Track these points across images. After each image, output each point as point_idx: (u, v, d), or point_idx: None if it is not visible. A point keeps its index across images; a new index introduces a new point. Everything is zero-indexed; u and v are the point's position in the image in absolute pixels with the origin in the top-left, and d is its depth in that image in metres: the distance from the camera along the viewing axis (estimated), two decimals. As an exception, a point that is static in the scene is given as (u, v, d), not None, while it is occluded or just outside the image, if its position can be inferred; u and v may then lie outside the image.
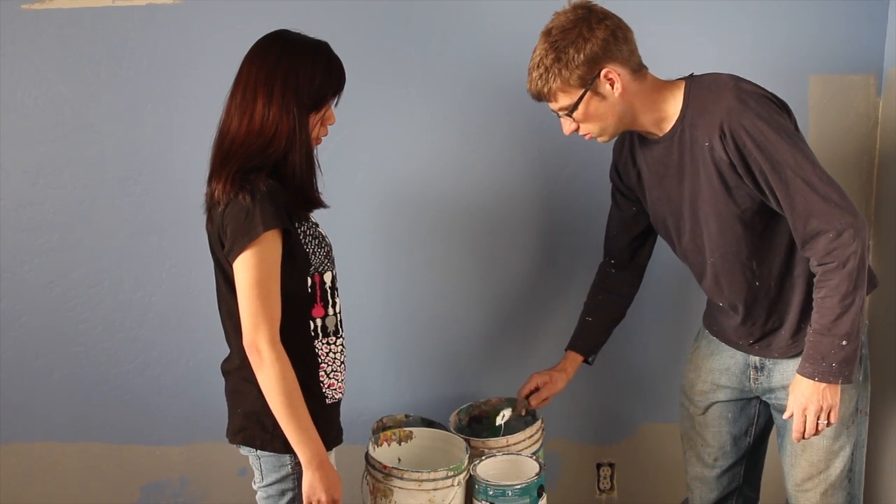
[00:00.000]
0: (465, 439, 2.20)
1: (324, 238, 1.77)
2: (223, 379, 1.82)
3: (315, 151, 1.73)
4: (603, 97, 1.72)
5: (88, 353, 2.54)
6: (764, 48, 2.26)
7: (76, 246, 2.47)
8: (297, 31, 1.69)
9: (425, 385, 2.56)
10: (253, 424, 1.69)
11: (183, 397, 2.57)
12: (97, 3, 2.31)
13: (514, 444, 2.19)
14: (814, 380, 1.70)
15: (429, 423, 2.34)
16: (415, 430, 2.29)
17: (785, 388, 1.87)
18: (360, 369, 2.51)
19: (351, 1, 2.30)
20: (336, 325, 1.76)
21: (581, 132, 1.80)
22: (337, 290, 1.78)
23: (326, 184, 2.36)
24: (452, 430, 2.30)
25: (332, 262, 1.77)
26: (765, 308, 1.88)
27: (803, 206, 1.64)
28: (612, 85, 1.72)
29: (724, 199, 1.74)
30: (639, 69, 1.77)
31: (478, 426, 2.43)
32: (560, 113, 1.78)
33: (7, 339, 2.53)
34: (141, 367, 2.55)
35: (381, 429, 2.30)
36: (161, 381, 2.55)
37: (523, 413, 2.28)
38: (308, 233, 1.71)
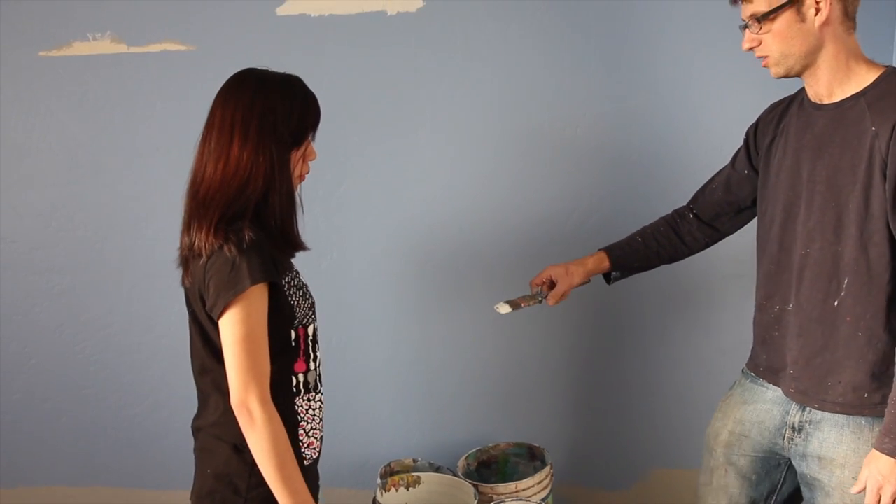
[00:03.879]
0: (474, 485, 2.18)
1: (307, 288, 1.68)
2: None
3: (298, 190, 1.66)
4: (802, 19, 1.57)
5: (97, 396, 2.54)
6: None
7: (87, 289, 2.49)
8: (265, 69, 1.63)
9: (433, 430, 2.54)
10: (224, 487, 1.58)
11: (191, 440, 2.54)
12: (113, 49, 2.35)
13: (524, 489, 2.17)
14: (894, 458, 1.51)
15: (437, 468, 2.33)
16: (423, 475, 2.27)
17: (820, 459, 1.67)
18: (368, 414, 2.51)
19: (361, 48, 2.33)
20: (315, 381, 1.67)
21: (758, 53, 1.64)
22: (318, 343, 1.70)
23: (336, 228, 2.39)
24: (461, 475, 2.28)
25: (315, 315, 1.69)
26: (828, 334, 1.65)
27: None
28: (817, 11, 1.56)
29: (860, 193, 1.57)
30: (851, 20, 1.61)
31: (486, 471, 2.41)
32: (749, 21, 1.62)
33: (16, 382, 2.54)
34: (149, 409, 2.55)
35: (388, 474, 2.28)
36: (169, 423, 2.55)
37: (532, 303, 2.03)
38: (292, 284, 1.62)
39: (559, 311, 2.45)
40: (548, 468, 2.26)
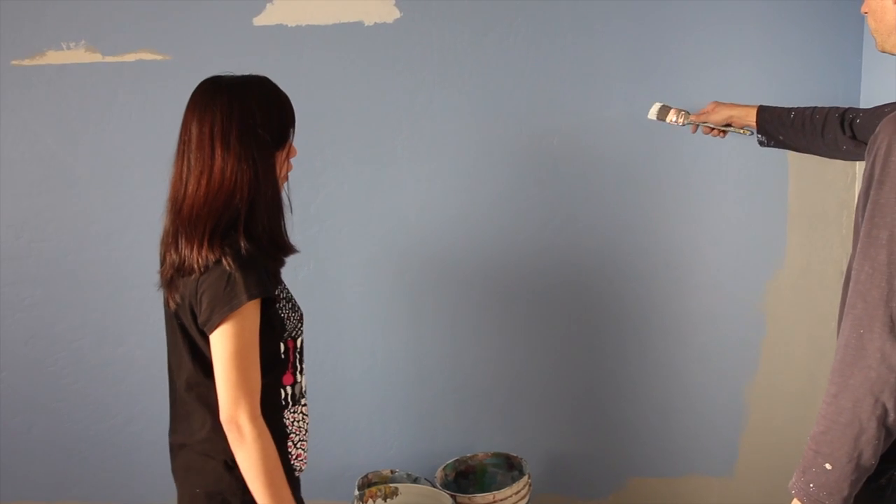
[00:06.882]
0: (452, 495, 2.18)
1: (295, 301, 1.67)
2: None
3: (285, 190, 1.61)
4: None
5: (69, 409, 2.50)
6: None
7: (59, 300, 2.45)
8: (229, 74, 1.56)
9: (411, 440, 2.53)
10: None
11: (164, 453, 2.50)
12: (87, 59, 2.33)
13: (502, 499, 2.17)
14: (791, 492, 1.32)
15: (415, 479, 2.32)
16: (400, 486, 2.26)
17: None
18: (345, 424, 2.49)
19: (339, 58, 2.33)
20: (301, 391, 1.66)
21: (868, 21, 1.54)
22: (303, 354, 1.69)
23: (313, 238, 2.39)
24: (439, 485, 2.27)
25: (303, 327, 1.67)
26: None
27: (857, 271, 1.29)
28: None
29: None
30: None
31: (464, 481, 2.41)
32: None
33: (-14, 395, 2.49)
34: (123, 423, 2.51)
35: (366, 485, 2.27)
36: (143, 437, 2.51)
37: (679, 120, 2.17)
38: (282, 296, 1.60)
39: (538, 322, 2.47)
40: (526, 478, 2.26)
